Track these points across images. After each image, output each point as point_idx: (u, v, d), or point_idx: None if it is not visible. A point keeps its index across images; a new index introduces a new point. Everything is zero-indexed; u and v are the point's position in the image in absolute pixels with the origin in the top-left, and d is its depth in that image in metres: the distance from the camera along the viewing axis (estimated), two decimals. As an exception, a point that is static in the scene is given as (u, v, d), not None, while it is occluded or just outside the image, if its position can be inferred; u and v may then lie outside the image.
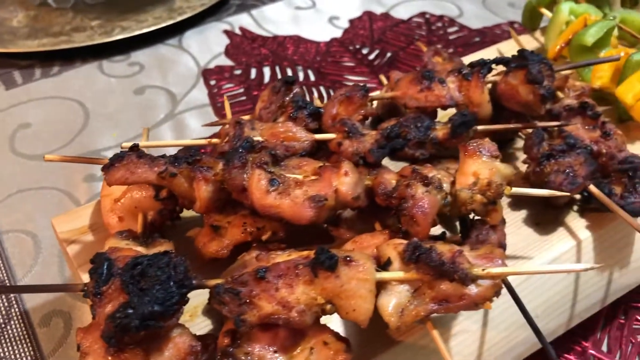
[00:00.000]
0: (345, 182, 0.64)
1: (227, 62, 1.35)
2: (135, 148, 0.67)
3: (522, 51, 0.80)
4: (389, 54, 1.38)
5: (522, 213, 0.78)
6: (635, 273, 0.80)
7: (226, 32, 1.45)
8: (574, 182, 0.72)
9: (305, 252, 0.59)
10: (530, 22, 1.14)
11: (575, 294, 0.74)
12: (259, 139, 0.76)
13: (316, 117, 0.83)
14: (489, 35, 1.44)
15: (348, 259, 0.56)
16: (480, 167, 0.65)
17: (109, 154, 1.11)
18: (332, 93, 1.27)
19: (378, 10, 1.55)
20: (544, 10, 1.10)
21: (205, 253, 0.68)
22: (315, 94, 1.26)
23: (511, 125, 0.80)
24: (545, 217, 0.77)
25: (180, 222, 0.76)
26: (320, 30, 1.47)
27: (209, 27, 1.48)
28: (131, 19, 1.42)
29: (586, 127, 0.83)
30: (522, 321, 0.60)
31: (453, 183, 0.66)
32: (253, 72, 1.32)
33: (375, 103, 0.87)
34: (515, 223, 0.77)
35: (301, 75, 1.31)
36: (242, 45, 1.40)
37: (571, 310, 0.75)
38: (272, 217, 0.64)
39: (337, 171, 0.65)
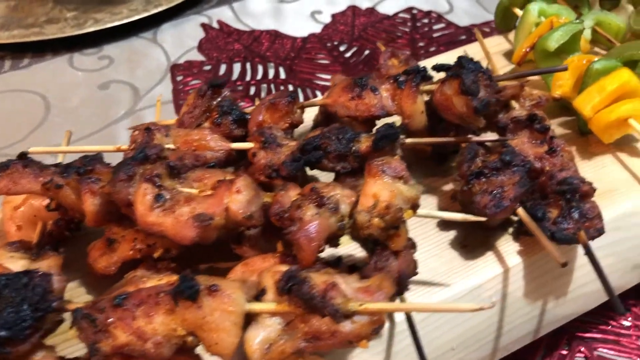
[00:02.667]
0: (237, 199, 0.60)
1: (199, 57, 1.32)
2: (23, 156, 0.64)
3: (460, 58, 0.74)
4: (367, 52, 1.32)
5: (450, 234, 0.72)
6: (575, 303, 0.74)
7: (203, 25, 1.41)
8: (499, 205, 0.66)
9: (175, 277, 0.55)
10: (504, 22, 1.07)
11: (500, 325, 0.69)
12: (171, 146, 0.72)
13: (242, 124, 0.79)
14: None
15: (213, 288, 0.52)
16: (381, 188, 0.60)
17: (63, 150, 1.09)
18: (300, 92, 1.22)
19: (365, 4, 1.49)
20: (517, 11, 1.03)
21: (95, 269, 0.65)
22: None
23: (444, 139, 0.75)
24: (474, 239, 0.72)
25: (88, 233, 0.73)
26: (301, 25, 1.42)
27: (187, 20, 1.44)
28: (106, 11, 1.39)
29: (533, 142, 0.77)
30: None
31: (356, 204, 0.61)
32: (223, 68, 1.28)
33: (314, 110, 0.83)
34: (440, 244, 0.71)
35: (271, 73, 1.27)
36: (217, 40, 1.36)
37: (495, 342, 0.69)
38: (156, 236, 0.60)
39: (230, 187, 0.60)
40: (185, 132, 0.73)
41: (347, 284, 0.54)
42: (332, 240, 0.61)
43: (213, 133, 0.73)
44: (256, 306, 0.53)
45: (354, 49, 1.33)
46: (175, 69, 1.27)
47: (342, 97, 0.77)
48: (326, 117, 0.84)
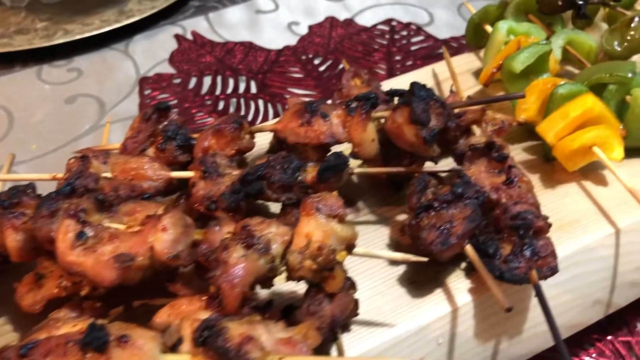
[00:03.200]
0: (162, 238, 0.57)
1: (170, 69, 1.29)
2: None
3: (412, 85, 0.71)
4: (341, 66, 1.29)
5: (399, 269, 0.69)
6: (531, 342, 0.70)
7: (177, 36, 1.38)
8: (445, 242, 0.63)
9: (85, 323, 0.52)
10: (475, 39, 1.03)
11: (448, 366, 0.66)
12: (108, 175, 0.69)
13: (188, 150, 0.76)
14: (454, 47, 1.33)
15: (123, 339, 0.49)
16: (314, 227, 0.56)
17: (23, 168, 1.07)
18: (270, 107, 1.19)
19: (344, 15, 1.45)
20: (488, 27, 0.99)
21: (20, 306, 0.62)
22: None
23: (394, 169, 0.71)
24: (424, 274, 0.68)
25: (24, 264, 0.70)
26: (277, 36, 1.39)
27: (161, 30, 1.41)
28: (78, 22, 1.36)
29: (490, 171, 0.74)
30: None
31: (291, 243, 0.58)
32: (192, 82, 1.25)
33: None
34: (387, 281, 0.68)
35: (242, 87, 1.24)
36: (189, 52, 1.33)
37: (443, 384, 0.66)
38: (77, 276, 0.57)
39: (156, 224, 0.57)
40: (125, 159, 0.70)
41: (270, 334, 0.50)
42: (263, 282, 0.57)
43: (153, 161, 0.70)
44: (170, 358, 0.50)
45: (329, 62, 1.30)
46: (144, 82, 1.25)
47: (292, 123, 0.74)
48: (281, 142, 0.81)
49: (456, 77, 0.89)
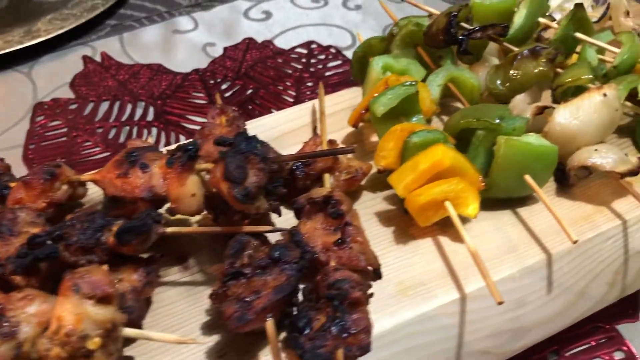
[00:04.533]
0: None
1: (70, 94, 1.23)
2: None
3: (237, 135, 0.65)
4: (249, 91, 1.23)
5: (211, 339, 0.63)
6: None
7: (84, 58, 1.33)
8: (242, 318, 0.57)
9: None
10: (361, 73, 0.97)
11: None
12: None
13: (2, 201, 0.70)
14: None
15: None
16: (67, 310, 0.51)
17: None
18: (164, 136, 1.13)
19: (266, 36, 1.39)
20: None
21: None
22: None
23: (210, 229, 0.66)
24: (236, 347, 0.62)
25: None
26: (189, 58, 1.33)
27: (70, 51, 1.36)
28: (-19, 42, 1.31)
29: (326, 229, 0.68)
30: None
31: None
32: (89, 107, 1.19)
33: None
34: (193, 355, 0.62)
35: (138, 113, 1.18)
36: (92, 75, 1.27)
37: None
38: None
39: None
40: None
41: None
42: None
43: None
44: None
45: (237, 87, 1.24)
46: (38, 107, 1.19)
47: (110, 173, 0.68)
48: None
49: (324, 117, 0.83)
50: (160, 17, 1.46)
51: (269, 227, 0.66)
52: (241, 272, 0.61)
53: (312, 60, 1.32)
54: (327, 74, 1.28)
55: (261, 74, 1.28)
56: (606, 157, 0.76)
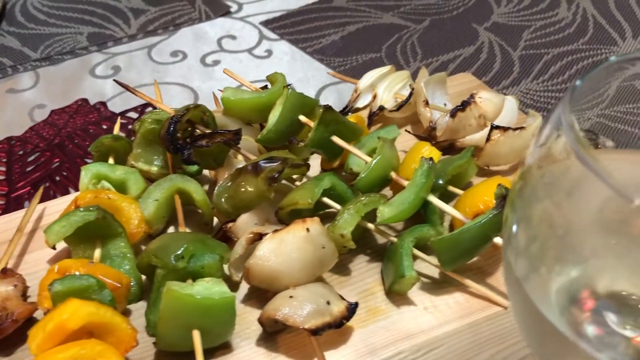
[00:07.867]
0: None
1: None
2: None
3: None
4: (54, 166, 1.13)
5: None
6: None
7: None
8: None
9: None
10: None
11: None
12: None
13: None
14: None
15: None
16: None
17: None
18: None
19: (107, 96, 1.29)
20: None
21: None
22: None
23: None
24: None
25: None
26: (10, 123, 1.24)
27: None
28: None
29: None
30: None
31: None
32: None
33: None
34: None
35: None
36: None
37: None
38: None
39: None
40: None
41: None
42: None
43: None
44: None
45: (41, 160, 1.14)
46: None
47: None
48: None
49: (20, 235, 0.73)
50: (3, 72, 1.38)
51: None
52: None
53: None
54: (148, 145, 1.17)
55: (76, 147, 1.17)
56: (301, 307, 0.64)
